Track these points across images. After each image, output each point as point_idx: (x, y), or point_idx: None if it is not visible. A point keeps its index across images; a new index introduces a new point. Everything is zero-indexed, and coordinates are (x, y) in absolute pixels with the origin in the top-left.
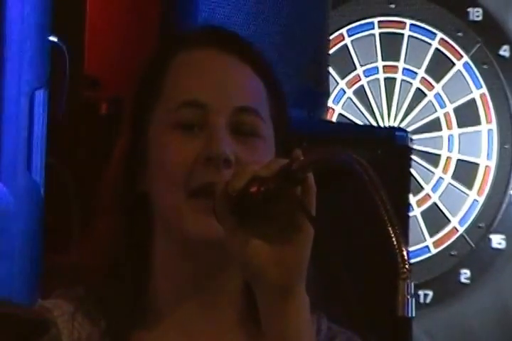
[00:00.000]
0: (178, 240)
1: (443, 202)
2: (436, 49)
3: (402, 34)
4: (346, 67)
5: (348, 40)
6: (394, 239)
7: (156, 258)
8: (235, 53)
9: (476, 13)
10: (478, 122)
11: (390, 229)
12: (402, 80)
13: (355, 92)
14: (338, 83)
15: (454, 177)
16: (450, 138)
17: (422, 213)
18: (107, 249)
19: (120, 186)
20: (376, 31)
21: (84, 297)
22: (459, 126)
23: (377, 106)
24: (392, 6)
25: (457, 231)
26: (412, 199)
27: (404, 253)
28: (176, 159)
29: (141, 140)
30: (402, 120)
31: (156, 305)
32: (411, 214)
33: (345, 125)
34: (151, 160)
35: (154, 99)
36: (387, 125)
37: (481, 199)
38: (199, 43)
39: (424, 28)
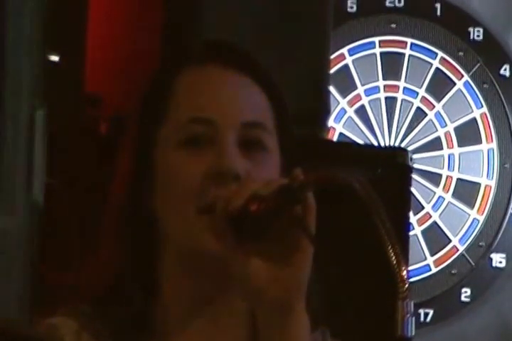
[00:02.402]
0: (187, 257)
1: (443, 221)
2: (437, 68)
3: (403, 53)
4: (347, 86)
5: (349, 60)
6: (393, 259)
7: (163, 276)
8: (239, 68)
9: (476, 33)
10: (478, 141)
11: (389, 248)
12: (403, 99)
13: (356, 111)
14: (339, 102)
15: (455, 196)
16: (451, 157)
17: (423, 232)
18: (113, 268)
19: (126, 206)
20: (377, 50)
21: (90, 315)
22: (460, 145)
23: (377, 125)
24: (393, 25)
25: (458, 250)
26: (413, 218)
27: (403, 272)
28: (185, 175)
29: (148, 159)
30: (403, 139)
31: (163, 321)
32: (411, 232)
33: (346, 144)
34: (159, 179)
35: (160, 117)
36: (387, 144)
37: (482, 218)
38: (203, 59)
39: (424, 48)
